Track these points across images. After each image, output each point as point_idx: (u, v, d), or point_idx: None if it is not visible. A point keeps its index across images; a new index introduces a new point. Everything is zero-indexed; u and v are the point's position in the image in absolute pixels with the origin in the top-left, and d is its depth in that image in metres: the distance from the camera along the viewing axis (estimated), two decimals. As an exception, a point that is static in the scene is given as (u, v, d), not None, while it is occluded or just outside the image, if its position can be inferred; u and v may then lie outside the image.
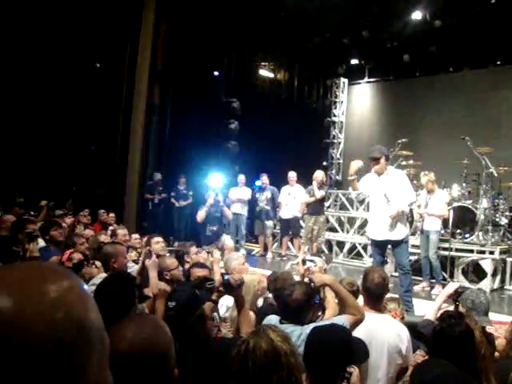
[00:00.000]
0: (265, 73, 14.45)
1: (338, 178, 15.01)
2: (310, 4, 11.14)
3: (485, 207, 8.62)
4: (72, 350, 0.63)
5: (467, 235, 8.58)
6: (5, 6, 9.51)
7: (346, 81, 15.42)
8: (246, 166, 11.58)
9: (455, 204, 8.67)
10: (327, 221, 10.63)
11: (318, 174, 9.74)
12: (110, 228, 7.82)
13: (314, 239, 9.60)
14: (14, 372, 0.58)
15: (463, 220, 8.61)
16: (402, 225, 6.28)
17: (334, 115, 15.27)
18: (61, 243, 5.95)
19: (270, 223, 10.72)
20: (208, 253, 5.61)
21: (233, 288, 2.99)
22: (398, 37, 12.62)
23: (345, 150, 15.20)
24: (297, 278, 3.87)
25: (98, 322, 0.68)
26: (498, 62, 12.17)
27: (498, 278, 8.40)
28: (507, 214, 9.05)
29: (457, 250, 8.47)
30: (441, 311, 3.67)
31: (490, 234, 8.55)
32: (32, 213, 8.03)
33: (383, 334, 3.07)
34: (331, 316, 3.07)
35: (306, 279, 3.29)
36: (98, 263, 4.79)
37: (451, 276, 8.35)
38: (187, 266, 4.97)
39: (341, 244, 10.80)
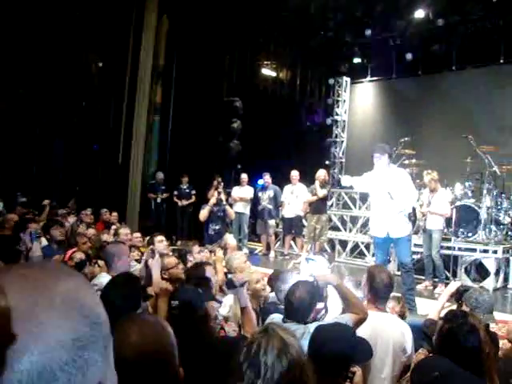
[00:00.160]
0: (267, 72, 14.44)
1: (340, 176, 14.97)
2: (312, 3, 11.14)
3: (488, 206, 8.60)
4: (87, 344, 0.64)
5: (470, 234, 8.56)
6: (9, 5, 9.52)
7: (348, 79, 15.39)
8: (248, 165, 11.58)
9: (458, 203, 8.66)
10: (330, 220, 10.62)
11: (321, 173, 9.74)
12: (113, 227, 7.83)
13: (316, 238, 9.60)
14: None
15: (466, 219, 8.58)
16: (404, 222, 6.28)
17: (337, 114, 15.25)
18: (61, 242, 5.97)
19: (272, 222, 10.72)
20: (211, 252, 5.62)
21: (236, 287, 3.00)
22: (400, 35, 12.61)
23: (347, 149, 15.18)
24: (299, 277, 3.87)
25: (105, 318, 0.69)
26: (501, 61, 12.12)
27: (501, 276, 8.38)
28: (510, 212, 9.01)
29: (460, 248, 8.44)
30: (444, 310, 3.67)
31: (493, 232, 8.53)
32: (36, 212, 8.06)
33: (388, 332, 3.08)
34: (334, 315, 3.07)
35: (310, 278, 3.29)
36: (100, 262, 4.80)
37: (454, 275, 8.33)
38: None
39: (343, 243, 10.79)
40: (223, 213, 8.14)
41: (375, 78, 15.20)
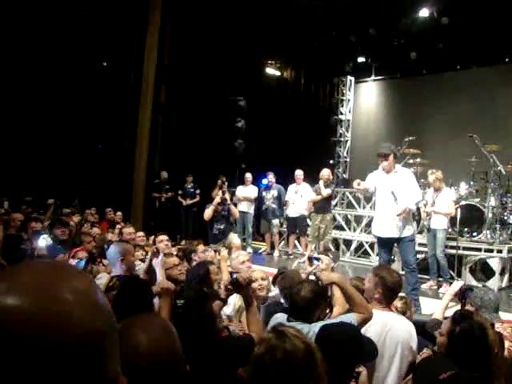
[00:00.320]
0: (271, 71, 14.44)
1: (344, 176, 14.96)
2: (316, 2, 11.12)
3: (493, 205, 8.57)
4: (105, 337, 0.65)
5: (475, 233, 8.54)
6: (14, 6, 9.55)
7: (352, 79, 15.37)
8: (252, 165, 11.57)
9: (463, 202, 8.63)
10: (334, 219, 10.61)
11: (325, 172, 9.74)
12: (118, 226, 7.84)
13: (320, 237, 9.59)
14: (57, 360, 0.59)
15: (471, 218, 8.56)
16: (408, 223, 6.26)
17: (341, 113, 15.24)
18: (64, 242, 5.99)
19: (276, 222, 10.71)
20: (215, 251, 5.61)
21: (241, 286, 2.99)
22: (405, 34, 12.57)
23: (352, 148, 15.17)
24: (303, 276, 3.87)
25: (113, 313, 0.70)
26: (506, 60, 12.09)
27: (507, 276, 8.35)
28: (515, 212, 8.99)
29: (464, 248, 8.41)
30: (448, 310, 3.67)
31: (498, 232, 8.49)
32: (41, 211, 8.09)
33: (397, 331, 3.08)
34: (339, 314, 3.07)
35: (313, 277, 3.29)
36: (105, 261, 4.82)
37: (459, 275, 8.30)
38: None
39: (348, 242, 10.78)
40: (228, 212, 8.14)
41: (379, 77, 15.19)
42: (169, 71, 11.81)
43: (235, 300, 4.02)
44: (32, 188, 9.78)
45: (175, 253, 5.21)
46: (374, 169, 6.61)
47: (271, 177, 10.82)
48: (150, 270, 4.05)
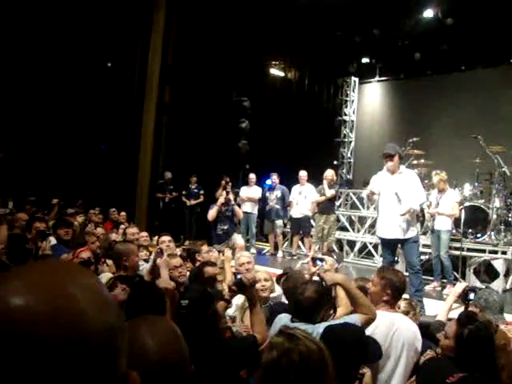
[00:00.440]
0: (275, 72, 14.44)
1: (348, 177, 14.96)
2: (320, 2, 11.10)
3: (497, 207, 8.55)
4: (117, 333, 0.65)
5: (479, 235, 8.51)
6: (19, 7, 9.58)
7: (356, 80, 15.37)
8: (256, 165, 11.57)
9: (467, 203, 8.60)
10: (338, 220, 10.60)
11: (329, 173, 9.72)
12: (122, 227, 7.85)
13: (324, 238, 9.58)
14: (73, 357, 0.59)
15: (475, 220, 8.53)
16: (412, 224, 6.25)
17: (345, 114, 15.22)
18: (68, 242, 5.99)
19: (279, 222, 10.71)
20: (219, 252, 5.61)
21: (245, 287, 2.99)
22: (409, 35, 12.53)
23: (355, 149, 15.16)
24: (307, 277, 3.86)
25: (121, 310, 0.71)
26: (511, 60, 12.05)
27: (511, 278, 8.33)
28: (520, 213, 8.96)
29: (468, 249, 8.38)
30: (452, 312, 3.66)
31: (503, 233, 8.48)
32: (46, 211, 8.11)
33: (403, 332, 3.07)
34: (343, 315, 3.06)
35: (317, 277, 3.28)
36: (109, 261, 4.82)
37: (463, 276, 8.28)
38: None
39: (351, 243, 10.77)
40: (231, 213, 8.14)
41: (383, 78, 15.17)
42: (173, 72, 11.82)
43: (237, 298, 4.01)
44: (36, 188, 9.81)
45: (179, 253, 5.21)
46: (377, 170, 6.61)
47: (275, 177, 10.81)
48: (154, 271, 4.05)
